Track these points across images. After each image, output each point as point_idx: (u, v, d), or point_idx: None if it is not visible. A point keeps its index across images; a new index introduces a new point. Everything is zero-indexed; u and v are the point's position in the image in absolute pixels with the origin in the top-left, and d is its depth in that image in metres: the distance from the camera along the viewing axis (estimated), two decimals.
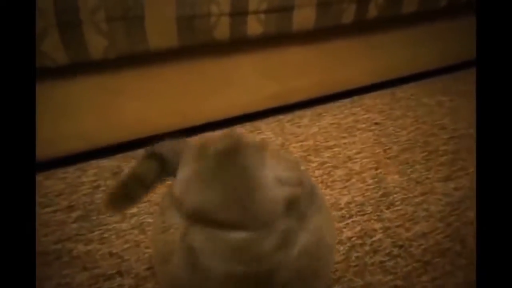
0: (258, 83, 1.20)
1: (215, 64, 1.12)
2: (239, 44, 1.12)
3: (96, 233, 0.79)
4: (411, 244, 0.72)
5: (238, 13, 1.05)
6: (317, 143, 1.10)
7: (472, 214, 0.78)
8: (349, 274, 0.65)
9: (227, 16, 1.03)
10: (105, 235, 0.79)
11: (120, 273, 0.70)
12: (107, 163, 0.99)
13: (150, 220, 0.83)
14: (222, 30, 1.05)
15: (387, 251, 0.70)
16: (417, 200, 0.83)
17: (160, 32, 0.96)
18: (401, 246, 0.71)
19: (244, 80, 1.18)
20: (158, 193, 0.92)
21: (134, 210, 0.87)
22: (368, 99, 1.36)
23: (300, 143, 1.11)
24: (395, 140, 1.08)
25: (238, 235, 0.49)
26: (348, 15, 1.22)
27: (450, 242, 0.71)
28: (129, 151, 1.03)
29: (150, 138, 0.91)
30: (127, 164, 0.99)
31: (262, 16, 1.08)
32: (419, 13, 1.33)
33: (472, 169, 0.92)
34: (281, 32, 1.13)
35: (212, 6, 0.99)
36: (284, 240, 0.48)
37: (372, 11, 1.24)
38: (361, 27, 1.29)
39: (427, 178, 0.90)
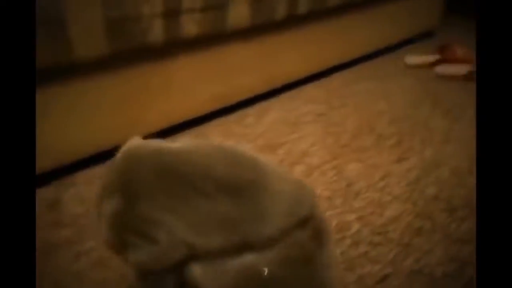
0: (198, 86, 1.13)
1: (151, 70, 1.03)
2: (175, 46, 1.05)
3: None
4: (387, 229, 0.73)
5: (172, 13, 0.97)
6: (269, 141, 1.08)
7: (431, 191, 0.82)
8: (339, 271, 0.64)
9: (160, 17, 0.95)
10: (60, 279, 0.68)
11: None
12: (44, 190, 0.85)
13: None
14: (156, 32, 0.97)
15: (368, 240, 0.71)
16: (379, 185, 0.86)
17: (86, 38, 0.85)
18: (379, 233, 0.72)
19: (184, 84, 1.11)
20: None
21: (91, 243, 0.76)
22: (306, 92, 1.38)
23: (252, 144, 1.07)
24: (343, 129, 1.11)
25: (245, 259, 0.44)
26: (281, 11, 1.22)
27: (421, 221, 0.74)
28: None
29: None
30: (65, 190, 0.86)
31: (197, 15, 1.02)
32: (344, 5, 1.38)
33: (419, 148, 0.98)
34: (217, 31, 1.08)
35: (143, 6, 0.90)
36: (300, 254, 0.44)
37: (302, 6, 1.26)
38: (294, 21, 1.29)
39: (382, 162, 0.94)
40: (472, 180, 0.84)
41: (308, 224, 0.48)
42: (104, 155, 1.04)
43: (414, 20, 1.77)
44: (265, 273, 0.45)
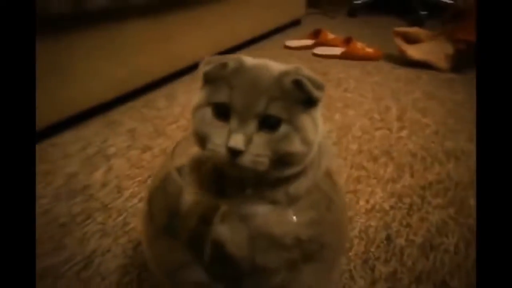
0: (99, 67, 1.01)
1: (47, 48, 0.87)
2: (76, 18, 0.91)
3: None
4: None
5: None
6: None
7: (354, 146, 0.95)
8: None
9: None
10: None
11: None
12: None
13: (54, 260, 0.61)
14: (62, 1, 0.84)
15: None
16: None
17: None
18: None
19: (86, 66, 0.98)
20: (40, 224, 0.68)
21: None
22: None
23: (174, 125, 1.03)
24: None
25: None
26: None
27: (356, 171, 0.85)
28: None
29: None
30: None
31: None
32: None
33: (329, 113, 1.11)
34: (117, 5, 0.98)
35: None
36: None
37: None
38: (189, 3, 1.27)
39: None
40: (379, 134, 1.01)
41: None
42: None
43: (286, 9, 1.95)
44: (294, 219, 0.46)
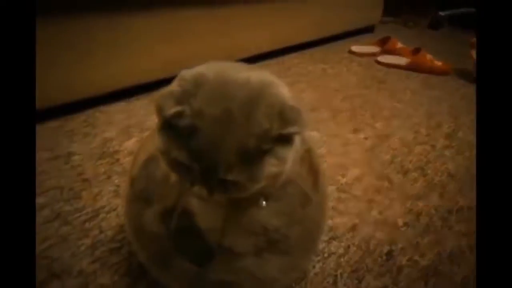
0: (151, 46, 1.09)
1: (107, 25, 0.96)
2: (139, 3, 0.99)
3: None
4: (351, 187, 0.78)
5: None
6: None
7: (386, 157, 0.90)
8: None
9: None
10: None
11: (55, 276, 0.55)
12: None
13: (69, 208, 0.68)
14: None
15: (335, 196, 0.75)
16: (340, 151, 0.91)
17: None
18: (344, 191, 0.77)
19: (140, 45, 1.06)
20: (67, 176, 0.76)
21: (41, 200, 0.69)
22: (261, 67, 1.39)
23: None
24: (300, 102, 1.14)
25: None
26: None
27: (380, 181, 0.81)
28: None
29: None
30: None
31: None
32: None
33: (371, 121, 1.06)
34: None
35: None
36: None
37: None
38: None
39: (340, 132, 1.00)
40: (418, 149, 0.94)
41: (305, 160, 0.49)
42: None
43: (360, 14, 1.89)
44: (263, 204, 0.45)
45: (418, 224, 0.69)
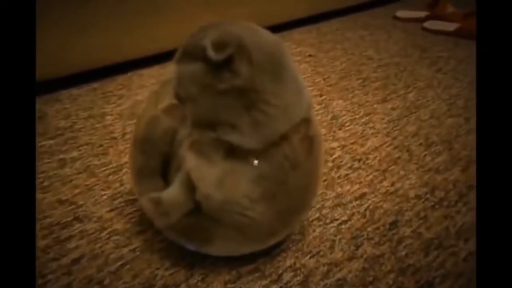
0: (193, 12, 1.11)
1: None
2: None
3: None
4: (367, 157, 0.77)
5: None
6: None
7: (411, 128, 0.86)
8: (321, 189, 0.68)
9: None
10: (46, 183, 0.69)
11: (78, 219, 0.62)
12: None
13: (97, 163, 0.74)
14: None
15: (349, 165, 0.75)
16: (363, 120, 0.89)
17: None
18: (359, 160, 0.76)
19: (178, 9, 1.09)
20: (99, 134, 0.83)
21: (74, 153, 0.77)
22: (296, 34, 1.37)
23: None
24: (331, 70, 1.12)
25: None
26: None
27: (399, 152, 0.79)
28: None
29: None
30: None
31: None
32: None
33: (403, 91, 1.02)
34: None
35: None
36: None
37: None
38: None
39: (367, 101, 0.97)
40: (449, 121, 0.89)
41: (300, 128, 0.50)
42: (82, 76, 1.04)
43: None
44: (255, 163, 0.47)
45: (431, 198, 0.67)
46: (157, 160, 0.51)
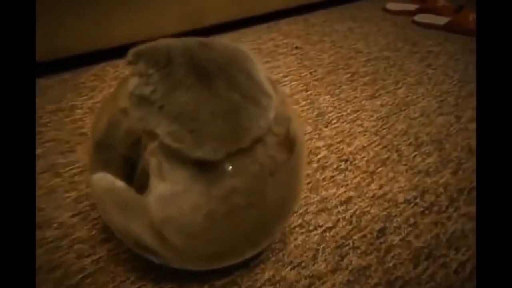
0: (165, 3, 1.04)
1: None
2: None
3: None
4: (354, 157, 0.73)
5: None
6: None
7: (401, 127, 0.82)
8: (304, 192, 0.64)
9: None
10: None
11: (37, 225, 0.56)
12: None
13: (62, 161, 0.68)
14: None
15: (335, 166, 0.70)
16: (350, 117, 0.85)
17: None
18: (346, 160, 0.72)
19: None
20: (67, 130, 0.76)
21: (38, 150, 0.70)
22: (283, 25, 1.32)
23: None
24: (319, 63, 1.07)
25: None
26: None
27: (387, 152, 0.74)
28: None
29: None
30: None
31: None
32: None
33: (393, 87, 0.97)
34: None
35: None
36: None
37: None
38: None
39: (355, 97, 0.92)
40: (440, 119, 0.85)
41: (280, 131, 0.45)
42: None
43: None
44: (230, 169, 0.42)
45: (421, 202, 0.64)
46: (117, 164, 0.45)
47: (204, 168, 0.41)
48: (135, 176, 0.46)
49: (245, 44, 1.16)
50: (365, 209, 0.62)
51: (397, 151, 0.75)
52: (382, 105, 0.89)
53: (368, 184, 0.67)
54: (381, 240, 0.57)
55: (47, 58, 0.92)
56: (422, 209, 0.62)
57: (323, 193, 0.64)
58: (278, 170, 0.44)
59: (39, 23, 0.87)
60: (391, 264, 0.53)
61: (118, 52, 1.03)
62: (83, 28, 0.94)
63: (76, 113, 0.82)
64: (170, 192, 0.41)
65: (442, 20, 1.34)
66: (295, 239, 0.56)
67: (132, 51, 0.44)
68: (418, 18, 1.38)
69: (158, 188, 0.41)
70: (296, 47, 1.15)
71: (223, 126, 0.41)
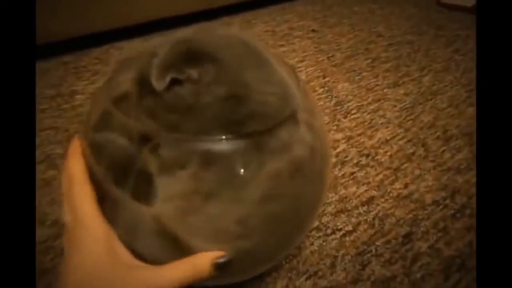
0: None
1: None
2: None
3: None
4: (376, 152, 0.66)
5: None
6: None
7: (427, 118, 0.75)
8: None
9: None
10: None
11: None
12: None
13: (59, 151, 0.63)
14: None
15: (355, 161, 0.64)
16: (372, 107, 0.78)
17: None
18: (367, 155, 0.66)
19: None
20: (66, 117, 0.71)
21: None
22: (299, 6, 1.23)
23: None
24: (336, 47, 1.00)
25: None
26: None
27: (413, 147, 0.68)
28: None
29: None
30: None
31: None
32: None
33: (417, 74, 0.90)
34: None
35: None
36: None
37: None
38: None
39: (377, 85, 0.85)
40: (470, 110, 0.78)
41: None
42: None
43: None
44: (241, 172, 0.36)
45: (452, 204, 0.57)
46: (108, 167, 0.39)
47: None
48: (128, 180, 0.40)
49: (258, 26, 1.09)
50: (389, 211, 0.56)
51: (423, 145, 0.68)
52: (406, 94, 0.82)
53: (392, 183, 0.60)
54: (407, 246, 0.51)
55: (46, 40, 0.86)
56: (453, 211, 0.56)
57: (342, 191, 0.58)
58: (302, 168, 0.37)
59: (38, 3, 0.81)
60: (418, 275, 0.47)
61: (122, 33, 0.98)
62: (84, 8, 0.88)
63: (76, 99, 0.77)
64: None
65: (470, 2, 1.25)
66: (311, 244, 0.50)
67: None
68: None
69: (169, 190, 0.35)
70: (313, 30, 1.08)
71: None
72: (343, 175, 0.61)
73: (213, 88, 0.35)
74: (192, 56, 0.36)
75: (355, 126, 0.72)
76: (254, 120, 0.35)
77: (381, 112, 0.76)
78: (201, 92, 0.35)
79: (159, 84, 0.34)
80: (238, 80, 0.36)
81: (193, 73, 0.35)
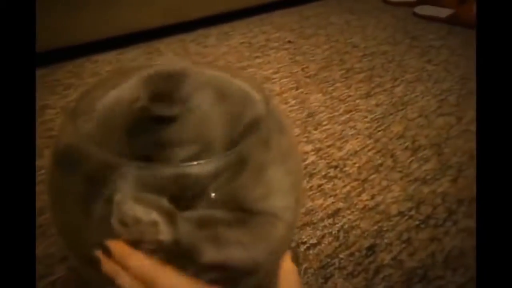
0: None
1: None
2: None
3: None
4: (345, 163, 0.67)
5: None
6: (229, 63, 0.96)
7: (397, 129, 0.76)
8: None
9: None
10: None
11: None
12: None
13: None
14: None
15: (323, 173, 0.65)
16: (343, 118, 0.79)
17: None
18: (335, 167, 0.66)
19: None
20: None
21: None
22: (277, 17, 1.25)
23: (212, 63, 0.96)
24: (311, 58, 1.01)
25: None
26: None
27: (382, 158, 0.69)
28: None
29: None
30: None
31: None
32: None
33: (390, 85, 0.91)
34: None
35: None
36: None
37: None
38: None
39: (349, 96, 0.86)
40: (439, 120, 0.79)
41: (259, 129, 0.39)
42: None
43: None
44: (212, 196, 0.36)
45: (416, 215, 0.58)
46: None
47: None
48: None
49: (235, 38, 1.10)
50: (354, 223, 0.56)
51: (392, 156, 0.69)
52: (377, 105, 0.83)
53: (359, 194, 0.61)
54: (371, 259, 0.51)
55: None
56: (417, 222, 0.57)
57: (309, 204, 0.59)
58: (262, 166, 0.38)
59: None
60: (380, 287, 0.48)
61: (97, 46, 0.98)
62: (59, 21, 0.88)
63: (46, 113, 0.76)
64: None
65: (444, 12, 1.27)
66: None
67: None
68: (419, 10, 1.31)
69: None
70: (289, 41, 1.09)
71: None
72: (311, 187, 0.62)
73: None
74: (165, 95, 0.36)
75: (325, 138, 0.73)
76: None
77: (351, 123, 0.77)
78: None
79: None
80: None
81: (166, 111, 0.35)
